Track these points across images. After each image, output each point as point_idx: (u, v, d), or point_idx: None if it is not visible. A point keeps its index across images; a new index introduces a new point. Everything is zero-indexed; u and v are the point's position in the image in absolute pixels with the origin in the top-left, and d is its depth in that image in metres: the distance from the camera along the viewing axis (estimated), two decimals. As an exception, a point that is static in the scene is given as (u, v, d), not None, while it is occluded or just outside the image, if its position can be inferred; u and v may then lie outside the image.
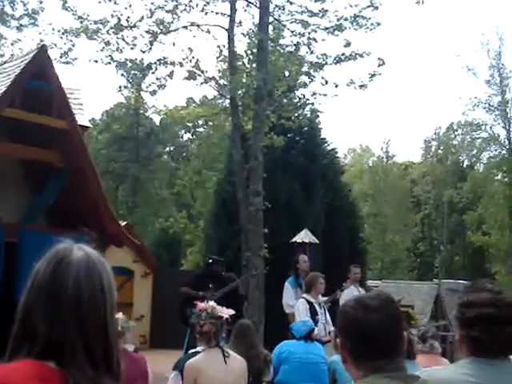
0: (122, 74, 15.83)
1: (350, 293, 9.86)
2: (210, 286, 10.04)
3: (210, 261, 10.89)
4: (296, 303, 9.16)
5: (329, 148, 23.94)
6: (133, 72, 15.69)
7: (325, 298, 9.97)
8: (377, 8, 15.49)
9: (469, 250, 45.07)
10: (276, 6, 16.05)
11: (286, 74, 16.36)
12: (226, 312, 5.43)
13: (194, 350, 5.75)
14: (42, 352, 1.44)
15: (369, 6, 15.49)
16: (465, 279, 28.54)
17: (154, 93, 16.05)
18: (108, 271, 1.59)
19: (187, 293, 10.12)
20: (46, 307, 1.47)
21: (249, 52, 17.27)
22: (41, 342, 1.44)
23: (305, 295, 9.15)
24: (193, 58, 15.41)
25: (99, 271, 1.56)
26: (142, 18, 15.36)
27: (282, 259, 14.33)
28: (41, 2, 23.27)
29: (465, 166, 49.29)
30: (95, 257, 1.58)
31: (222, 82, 16.10)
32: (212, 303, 5.46)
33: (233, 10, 15.62)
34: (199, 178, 37.42)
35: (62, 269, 1.51)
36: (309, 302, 8.94)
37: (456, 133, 49.40)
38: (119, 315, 5.52)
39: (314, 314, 8.74)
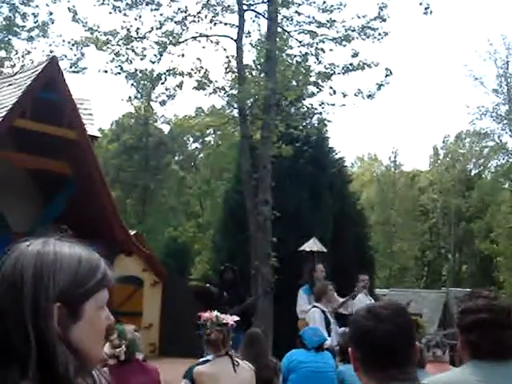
0: (133, 84, 15.96)
1: (360, 301, 9.93)
2: (225, 294, 10.07)
3: (222, 268, 10.93)
4: (310, 311, 9.16)
5: (337, 157, 23.96)
6: (143, 82, 15.81)
7: (340, 300, 10.05)
8: (385, 20, 15.56)
9: (477, 258, 44.90)
10: (284, 16, 16.15)
11: (294, 83, 16.43)
12: (230, 319, 5.47)
13: (203, 359, 5.79)
14: None
15: (376, 18, 15.56)
16: (472, 287, 28.46)
17: (163, 103, 16.17)
18: (46, 264, 1.38)
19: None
20: None
21: (257, 62, 17.38)
22: None
23: (317, 304, 9.13)
24: (202, 68, 15.53)
25: (23, 266, 1.36)
26: (152, 29, 15.52)
27: (291, 268, 14.37)
28: (51, 14, 23.46)
29: (472, 174, 49.18)
30: (32, 251, 1.39)
31: (230, 91, 16.21)
32: (215, 312, 5.49)
33: (241, 20, 15.73)
34: (208, 187, 37.50)
35: None
36: (322, 312, 8.97)
37: (464, 142, 49.33)
38: (130, 326, 5.57)
39: (328, 323, 8.75)
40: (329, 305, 9.14)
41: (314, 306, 9.08)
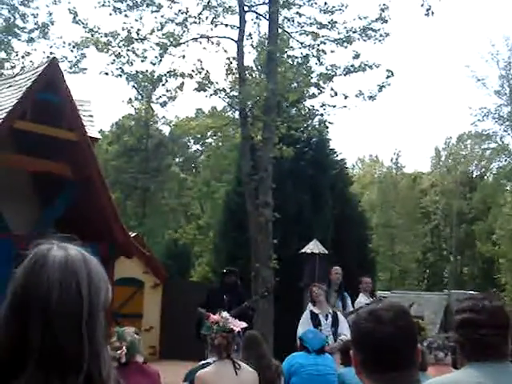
0: (134, 86, 15.94)
1: (362, 303, 9.96)
2: (225, 297, 10.03)
3: (224, 271, 10.88)
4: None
5: (338, 158, 23.95)
6: (144, 84, 15.78)
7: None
8: (386, 21, 15.54)
9: (478, 260, 44.87)
10: (285, 17, 16.13)
11: (295, 85, 16.41)
12: (238, 325, 5.44)
13: (205, 362, 5.77)
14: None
15: (378, 19, 15.54)
16: (475, 290, 28.41)
17: (164, 104, 16.15)
18: (93, 272, 1.44)
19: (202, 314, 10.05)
20: (18, 316, 1.37)
21: (258, 63, 17.36)
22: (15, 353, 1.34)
23: (311, 307, 9.28)
24: (202, 69, 15.51)
25: (76, 272, 1.40)
26: (153, 30, 15.49)
27: (292, 270, 14.34)
28: (50, 15, 23.47)
29: (474, 176, 49.14)
30: (76, 256, 1.44)
31: (231, 93, 16.18)
32: (225, 314, 5.47)
33: (242, 22, 15.71)
34: (208, 188, 37.48)
35: (35, 271, 1.40)
36: (313, 313, 9.08)
37: (466, 143, 49.30)
38: (130, 329, 5.53)
39: (316, 324, 8.81)
40: (324, 308, 9.21)
41: (309, 310, 9.23)
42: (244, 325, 5.55)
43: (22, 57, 24.20)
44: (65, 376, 1.34)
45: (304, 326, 8.61)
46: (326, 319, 9.12)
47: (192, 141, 42.64)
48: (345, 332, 9.13)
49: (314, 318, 9.02)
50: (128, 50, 15.32)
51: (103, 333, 1.44)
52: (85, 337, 1.37)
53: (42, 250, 1.44)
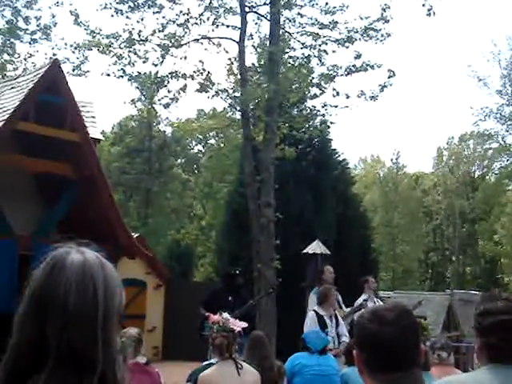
0: (137, 87, 15.95)
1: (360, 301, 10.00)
2: (230, 299, 10.02)
3: (232, 272, 10.86)
4: (307, 314, 9.21)
5: (339, 159, 23.95)
6: (147, 85, 15.78)
7: (348, 309, 10.06)
8: (387, 21, 15.54)
9: (481, 260, 44.89)
10: (286, 18, 16.14)
11: (297, 85, 16.41)
12: (239, 325, 5.44)
13: (207, 362, 5.78)
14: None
15: (379, 19, 15.53)
16: (477, 289, 28.40)
17: (167, 106, 16.15)
18: (109, 276, 1.48)
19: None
20: (36, 316, 1.40)
21: (259, 64, 17.36)
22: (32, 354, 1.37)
23: (316, 308, 9.17)
24: (204, 70, 15.52)
25: (94, 275, 1.44)
26: (154, 31, 15.50)
27: (294, 270, 14.34)
28: (53, 17, 23.50)
29: (476, 176, 49.15)
30: (94, 260, 1.48)
31: (233, 94, 16.19)
32: (225, 315, 5.47)
33: (243, 22, 15.71)
34: (210, 189, 37.52)
35: (54, 274, 1.43)
36: (318, 315, 8.97)
37: (467, 143, 49.30)
38: (133, 330, 5.55)
39: (322, 327, 8.73)
40: (330, 309, 9.13)
41: (314, 310, 9.12)
42: (244, 325, 5.55)
43: (25, 59, 24.25)
44: (81, 376, 1.37)
45: (312, 328, 8.51)
46: (331, 321, 9.08)
47: (194, 142, 42.67)
48: (346, 333, 9.14)
49: (320, 319, 8.95)
50: (130, 52, 15.33)
51: (117, 335, 1.48)
52: (99, 339, 1.40)
53: (60, 253, 1.48)
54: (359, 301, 10.34)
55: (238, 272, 10.83)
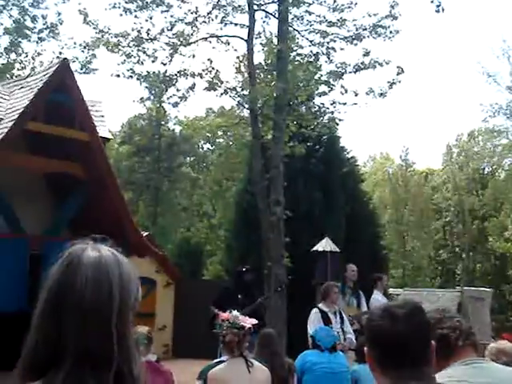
0: (146, 87, 15.97)
1: (377, 301, 10.00)
2: (240, 297, 10.04)
3: (243, 269, 10.89)
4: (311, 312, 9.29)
5: (348, 156, 23.91)
6: (156, 84, 15.80)
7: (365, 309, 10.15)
8: (396, 18, 15.51)
9: (491, 257, 44.70)
10: (295, 16, 16.12)
11: (305, 83, 16.39)
12: (249, 322, 5.44)
13: (218, 360, 5.79)
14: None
15: (388, 16, 15.51)
16: (487, 286, 28.26)
17: (175, 105, 16.17)
18: (125, 273, 1.50)
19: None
20: (53, 312, 1.42)
21: (268, 62, 17.35)
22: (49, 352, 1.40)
23: (319, 304, 9.27)
24: (212, 68, 15.53)
25: (109, 273, 1.46)
26: (163, 30, 15.52)
27: (303, 268, 14.33)
28: (59, 14, 23.59)
29: (486, 172, 48.93)
30: (109, 258, 1.50)
31: (241, 92, 16.19)
32: (235, 313, 5.48)
33: (251, 21, 15.70)
34: (219, 187, 37.52)
35: (70, 271, 1.45)
36: (322, 311, 9.03)
37: (477, 139, 49.09)
38: (143, 328, 5.56)
39: (326, 323, 8.79)
40: (332, 305, 9.18)
41: (315, 306, 9.18)
42: (254, 321, 5.55)
43: (32, 58, 24.34)
44: (98, 374, 1.38)
45: (315, 324, 8.59)
46: (335, 317, 9.12)
47: (202, 140, 42.68)
48: (350, 330, 9.18)
49: (324, 315, 9.01)
50: (138, 50, 15.36)
51: (133, 332, 1.50)
52: (115, 336, 1.41)
53: (76, 250, 1.50)
54: (373, 299, 10.35)
55: (245, 269, 10.84)
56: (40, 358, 1.41)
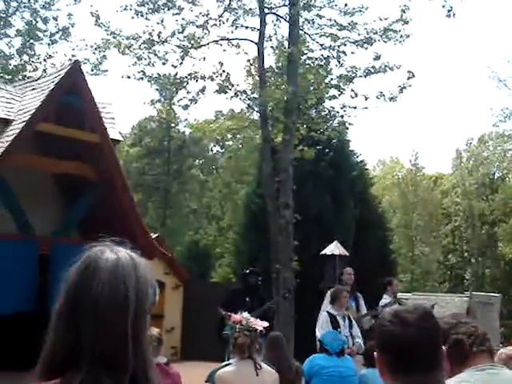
0: (157, 89, 16.03)
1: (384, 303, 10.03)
2: (247, 299, 10.05)
3: (247, 271, 10.90)
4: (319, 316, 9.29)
5: (358, 160, 23.90)
6: (167, 87, 15.85)
7: (364, 313, 10.14)
8: (407, 22, 15.49)
9: (500, 262, 44.52)
10: (305, 19, 16.14)
11: (315, 86, 16.40)
12: (260, 324, 5.45)
13: (226, 362, 5.79)
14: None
15: (399, 20, 15.49)
16: (496, 292, 28.17)
17: (186, 107, 16.21)
18: (142, 277, 1.50)
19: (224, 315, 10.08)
20: (70, 314, 1.44)
21: (278, 65, 17.37)
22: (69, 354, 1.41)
23: (328, 308, 9.26)
24: (223, 71, 15.55)
25: (126, 276, 1.46)
26: (174, 33, 15.56)
27: (312, 271, 14.33)
28: (70, 16, 23.68)
29: (496, 177, 48.75)
30: (127, 261, 1.50)
31: (252, 95, 16.21)
32: (246, 315, 5.48)
33: (262, 24, 15.73)
34: (229, 190, 37.52)
35: (87, 274, 1.46)
36: (331, 315, 9.04)
37: (487, 144, 48.93)
38: (154, 329, 5.56)
39: (335, 326, 8.79)
40: (341, 309, 9.18)
41: (327, 311, 9.19)
42: (266, 324, 5.56)
43: (44, 59, 24.43)
44: (114, 377, 1.40)
45: (323, 328, 8.60)
46: (344, 321, 9.12)
47: (212, 143, 42.72)
48: (359, 334, 9.18)
49: (333, 319, 9.01)
50: (149, 53, 15.43)
51: (147, 335, 1.50)
52: (129, 338, 1.42)
53: (94, 253, 1.51)
54: (382, 303, 10.33)
55: (248, 271, 10.84)
56: (58, 358, 1.43)
